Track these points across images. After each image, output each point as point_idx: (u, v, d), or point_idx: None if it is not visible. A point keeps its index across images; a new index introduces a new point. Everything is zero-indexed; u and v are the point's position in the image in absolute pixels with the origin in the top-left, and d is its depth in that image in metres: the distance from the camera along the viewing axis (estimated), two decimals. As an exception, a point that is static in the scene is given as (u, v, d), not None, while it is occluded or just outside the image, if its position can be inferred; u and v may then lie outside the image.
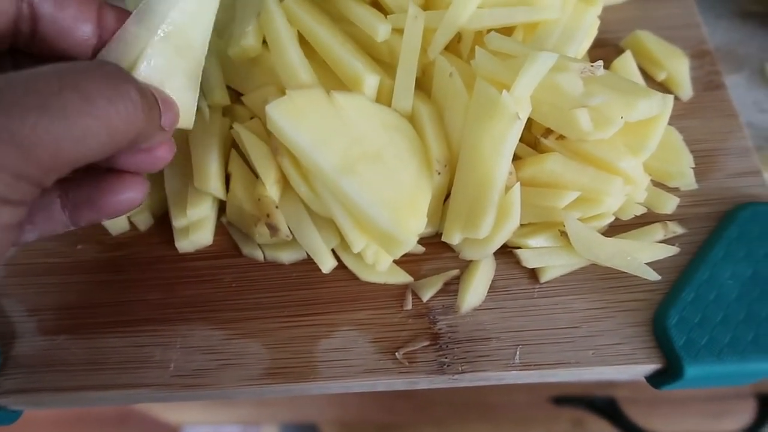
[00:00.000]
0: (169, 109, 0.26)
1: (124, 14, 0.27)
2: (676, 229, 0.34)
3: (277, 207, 0.33)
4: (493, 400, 0.64)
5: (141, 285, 0.35)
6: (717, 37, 0.47)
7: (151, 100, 0.25)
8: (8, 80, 0.21)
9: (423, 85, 0.36)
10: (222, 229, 0.36)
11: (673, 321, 0.31)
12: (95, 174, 0.26)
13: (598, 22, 0.37)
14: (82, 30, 0.26)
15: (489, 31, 0.35)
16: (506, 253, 0.34)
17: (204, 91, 0.36)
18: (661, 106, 0.32)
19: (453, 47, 0.36)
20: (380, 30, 0.34)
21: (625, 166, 0.32)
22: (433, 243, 0.35)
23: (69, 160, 0.21)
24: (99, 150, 0.22)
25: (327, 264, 0.33)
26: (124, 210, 0.27)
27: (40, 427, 1.15)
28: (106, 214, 0.27)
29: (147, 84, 0.25)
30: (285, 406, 0.69)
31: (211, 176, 0.34)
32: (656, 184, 0.35)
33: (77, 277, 0.35)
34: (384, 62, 0.36)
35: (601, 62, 0.31)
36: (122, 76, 0.23)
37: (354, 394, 0.63)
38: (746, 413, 0.64)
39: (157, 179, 0.35)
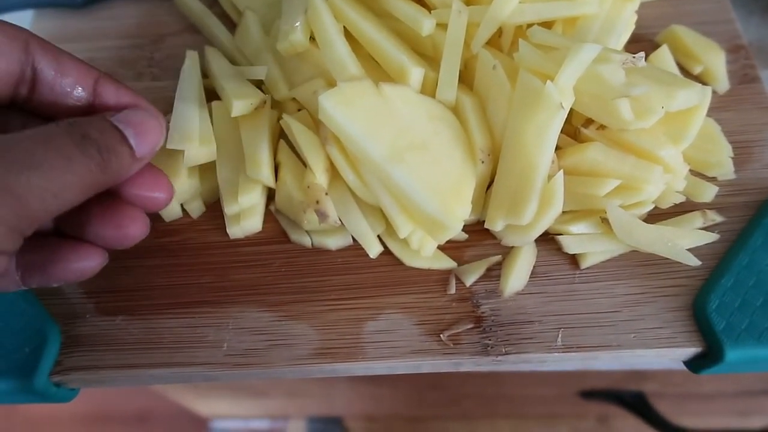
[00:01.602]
0: (143, 137, 0.28)
1: (122, 87, 0.29)
2: (715, 217, 0.34)
3: (326, 194, 0.34)
4: (522, 393, 0.65)
5: (194, 269, 0.36)
6: (749, 33, 0.48)
7: (114, 146, 0.26)
8: (5, 141, 0.24)
9: (464, 78, 0.37)
10: (270, 216, 0.37)
11: (714, 306, 0.31)
12: (52, 241, 0.28)
13: (635, 17, 0.38)
14: (76, 96, 0.28)
15: (529, 25, 0.36)
16: (547, 240, 0.35)
17: (267, 86, 0.38)
18: (700, 97, 0.33)
19: (493, 41, 0.38)
20: (425, 24, 0.35)
21: (665, 155, 0.33)
22: (475, 230, 0.36)
23: (51, 210, 0.24)
24: (74, 200, 0.25)
25: (374, 249, 0.34)
26: (73, 278, 0.28)
27: (64, 424, 1.17)
28: (55, 280, 0.28)
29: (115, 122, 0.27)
30: (314, 398, 0.70)
31: (262, 165, 0.35)
32: (694, 173, 0.36)
33: (132, 262, 0.36)
34: (427, 56, 0.38)
35: (642, 53, 0.32)
36: (81, 142, 0.25)
37: (385, 386, 0.64)
38: (775, 410, 0.64)
39: (209, 169, 0.37)
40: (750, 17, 0.49)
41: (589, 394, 0.62)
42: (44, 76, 0.27)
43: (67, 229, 0.29)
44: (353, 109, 0.32)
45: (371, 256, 0.35)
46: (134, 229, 0.29)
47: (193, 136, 0.34)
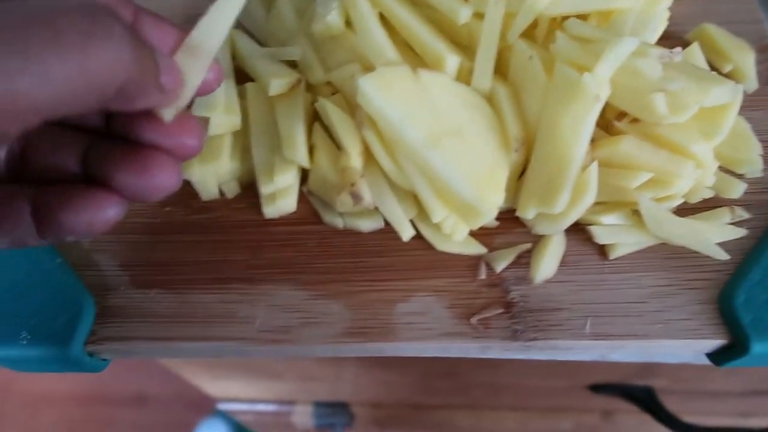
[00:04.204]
0: (169, 71, 0.23)
1: (165, 23, 0.24)
2: (742, 213, 0.35)
3: (362, 177, 0.34)
4: (532, 384, 0.66)
5: (227, 246, 0.37)
6: (775, 34, 0.48)
7: (142, 47, 0.21)
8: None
9: (498, 67, 0.37)
10: (302, 197, 0.38)
11: (741, 300, 0.32)
12: (71, 185, 0.24)
13: (668, 14, 0.39)
14: None
15: (563, 18, 0.36)
16: (576, 230, 0.35)
17: (301, 69, 0.39)
18: (733, 94, 0.33)
19: (527, 32, 0.38)
20: (462, 13, 0.36)
21: (697, 151, 0.33)
22: (505, 218, 0.36)
23: (34, 104, 0.18)
24: (74, 96, 0.19)
25: (407, 232, 0.35)
26: (85, 230, 0.23)
27: (60, 404, 1.18)
28: (68, 230, 0.23)
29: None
30: (325, 381, 0.71)
31: (299, 146, 0.35)
32: (722, 170, 0.37)
33: (167, 237, 0.37)
34: (462, 44, 0.38)
35: (680, 48, 0.32)
36: (107, 13, 0.20)
37: (395, 372, 0.65)
38: (781, 409, 0.65)
39: (245, 151, 0.37)
40: (776, 19, 0.49)
41: (598, 388, 0.63)
42: None
43: (92, 171, 0.25)
44: (392, 94, 0.33)
45: (404, 240, 0.35)
46: (162, 178, 0.24)
47: (217, 104, 0.35)
